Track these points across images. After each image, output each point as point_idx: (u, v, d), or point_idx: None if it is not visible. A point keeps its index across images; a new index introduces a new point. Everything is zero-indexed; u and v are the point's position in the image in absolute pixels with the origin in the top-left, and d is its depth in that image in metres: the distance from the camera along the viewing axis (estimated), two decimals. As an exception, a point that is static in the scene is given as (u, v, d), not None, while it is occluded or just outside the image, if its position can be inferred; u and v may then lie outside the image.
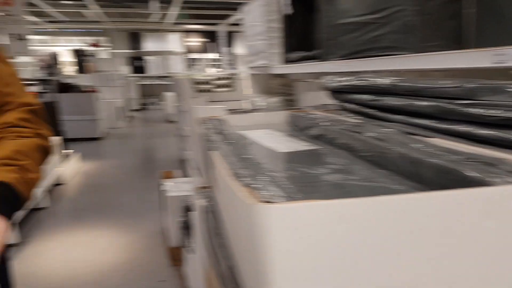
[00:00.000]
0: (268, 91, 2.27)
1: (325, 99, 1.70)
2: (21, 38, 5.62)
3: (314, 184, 0.62)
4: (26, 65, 8.74)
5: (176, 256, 2.80)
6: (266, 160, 0.81)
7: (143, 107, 12.55)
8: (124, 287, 2.55)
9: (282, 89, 2.13)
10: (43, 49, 10.21)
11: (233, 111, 1.36)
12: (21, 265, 2.84)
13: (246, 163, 0.64)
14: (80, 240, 3.26)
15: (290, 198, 0.49)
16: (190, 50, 12.93)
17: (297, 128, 1.18)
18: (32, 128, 0.87)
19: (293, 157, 0.82)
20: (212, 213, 1.04)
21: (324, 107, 1.38)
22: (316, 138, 1.03)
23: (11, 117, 0.86)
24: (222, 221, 0.96)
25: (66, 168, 4.90)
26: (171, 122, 9.36)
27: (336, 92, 1.22)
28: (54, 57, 8.82)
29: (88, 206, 4.05)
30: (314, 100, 1.79)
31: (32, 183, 0.80)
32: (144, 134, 8.37)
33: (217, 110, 1.28)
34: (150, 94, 12.83)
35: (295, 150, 0.89)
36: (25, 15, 5.97)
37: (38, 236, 3.32)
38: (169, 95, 9.55)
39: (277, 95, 2.09)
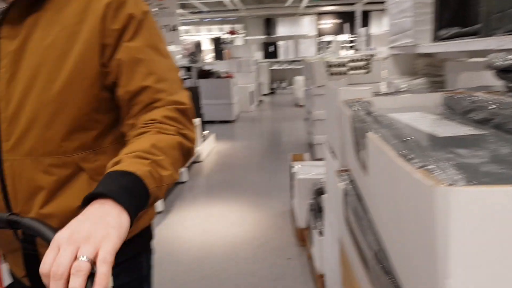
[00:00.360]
0: (410, 73, 2.10)
1: (484, 79, 1.50)
2: (173, 29, 6.24)
3: (493, 170, 0.53)
4: (173, 54, 9.66)
5: (303, 237, 2.83)
6: (429, 143, 0.73)
7: (273, 92, 12.91)
8: (252, 260, 2.68)
9: (427, 70, 1.95)
10: (187, 39, 11.16)
11: (377, 94, 1.28)
12: (164, 231, 3.19)
13: (410, 145, 0.58)
14: (214, 213, 3.52)
15: (472, 182, 0.43)
16: (322, 33, 12.79)
17: (454, 112, 1.06)
18: (176, 127, 0.80)
19: (458, 142, 0.73)
20: (354, 196, 1.00)
21: (485, 89, 1.20)
22: (481, 123, 0.90)
23: (157, 114, 0.80)
24: (364, 204, 0.91)
25: (203, 147, 5.32)
26: (300, 106, 9.45)
27: (504, 71, 1.06)
28: (196, 45, 9.58)
29: (221, 183, 4.34)
30: (469, 81, 1.58)
31: (163, 181, 0.72)
32: (273, 117, 8.61)
33: (361, 92, 1.21)
34: (280, 78, 13.13)
35: (458, 134, 0.79)
36: (177, 8, 6.58)
37: (178, 206, 3.68)
38: (299, 79, 9.63)
39: (421, 77, 1.92)
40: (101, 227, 0.54)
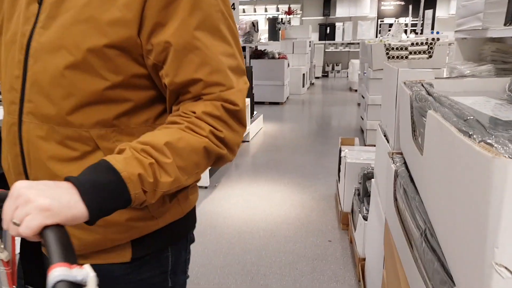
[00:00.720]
0: (476, 59, 1.98)
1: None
2: (233, 7, 6.26)
3: None
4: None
5: (346, 221, 2.81)
6: (491, 124, 0.69)
7: (327, 74, 12.68)
8: (293, 238, 2.70)
9: (495, 56, 1.82)
10: (243, 18, 11.14)
11: (439, 77, 1.22)
12: (209, 205, 3.28)
13: (471, 123, 0.56)
14: (258, 191, 3.56)
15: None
16: (383, 15, 12.29)
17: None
18: (213, 128, 0.69)
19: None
20: (405, 178, 0.97)
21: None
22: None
23: (200, 107, 0.70)
24: (415, 185, 0.89)
25: (251, 128, 5.37)
26: (354, 90, 9.22)
27: None
28: (252, 25, 9.56)
29: (267, 163, 4.37)
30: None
31: (159, 187, 0.64)
32: (325, 101, 8.48)
33: (423, 74, 1.16)
34: (335, 61, 12.84)
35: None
36: None
37: (224, 182, 3.76)
38: (354, 63, 9.37)
39: (487, 63, 1.80)
40: (45, 198, 0.53)
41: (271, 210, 3.17)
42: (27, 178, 0.76)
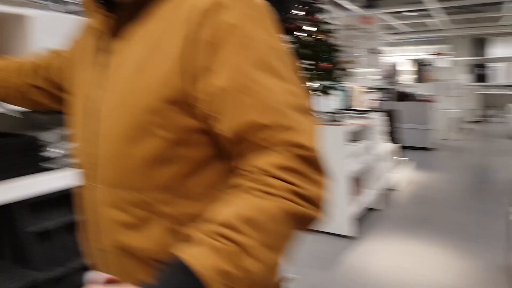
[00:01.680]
0: None
1: None
2: (374, 52, 6.18)
3: None
4: (371, 75, 9.57)
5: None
6: None
7: (482, 119, 11.43)
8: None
9: None
10: (384, 60, 10.89)
11: None
12: (354, 258, 3.08)
13: None
14: (408, 250, 3.23)
15: None
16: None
17: None
18: (290, 184, 0.57)
19: None
20: None
21: None
22: None
23: (265, 159, 0.58)
24: None
25: (399, 175, 5.01)
26: (516, 139, 8.08)
27: None
28: (394, 67, 9.27)
29: (418, 217, 3.98)
30: None
31: (248, 277, 0.52)
32: (481, 149, 7.57)
33: None
34: (491, 105, 11.52)
35: None
36: (380, 31, 6.53)
37: (371, 234, 3.52)
38: (515, 108, 8.25)
39: None
40: None
41: (424, 275, 2.82)
42: (98, 243, 0.73)
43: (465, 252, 3.14)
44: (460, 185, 5.11)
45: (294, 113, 0.60)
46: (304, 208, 0.57)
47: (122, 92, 0.66)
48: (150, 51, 0.64)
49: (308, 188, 0.57)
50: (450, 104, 8.66)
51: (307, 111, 0.63)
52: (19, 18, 1.39)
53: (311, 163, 0.58)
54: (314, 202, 0.58)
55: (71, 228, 1.34)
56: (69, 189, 1.34)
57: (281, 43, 0.65)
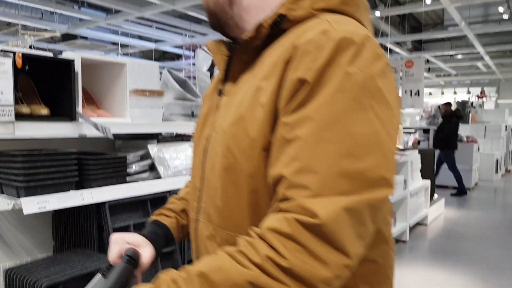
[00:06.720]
0: None
1: None
2: (417, 94, 6.35)
3: None
4: (412, 116, 9.74)
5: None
6: None
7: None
8: None
9: None
10: (428, 101, 10.94)
11: None
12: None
13: None
14: (433, 278, 3.32)
15: None
16: None
17: None
18: (275, 251, 0.51)
19: None
20: None
21: None
22: None
23: (268, 220, 0.55)
24: None
25: (430, 211, 5.12)
26: None
27: None
28: (438, 108, 9.34)
29: (445, 250, 4.05)
30: None
31: None
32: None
33: None
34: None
35: None
36: (424, 73, 6.65)
37: (396, 267, 3.69)
38: None
39: None
40: None
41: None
42: None
43: (494, 286, 3.20)
44: (493, 223, 5.10)
45: (337, 178, 0.53)
46: (278, 283, 0.50)
47: (221, 133, 0.66)
48: (250, 97, 0.63)
49: (296, 263, 0.50)
50: (494, 145, 8.60)
51: (367, 183, 0.53)
52: (115, 65, 1.67)
53: (316, 233, 0.51)
54: (301, 280, 0.50)
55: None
56: (145, 197, 1.63)
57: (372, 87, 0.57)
